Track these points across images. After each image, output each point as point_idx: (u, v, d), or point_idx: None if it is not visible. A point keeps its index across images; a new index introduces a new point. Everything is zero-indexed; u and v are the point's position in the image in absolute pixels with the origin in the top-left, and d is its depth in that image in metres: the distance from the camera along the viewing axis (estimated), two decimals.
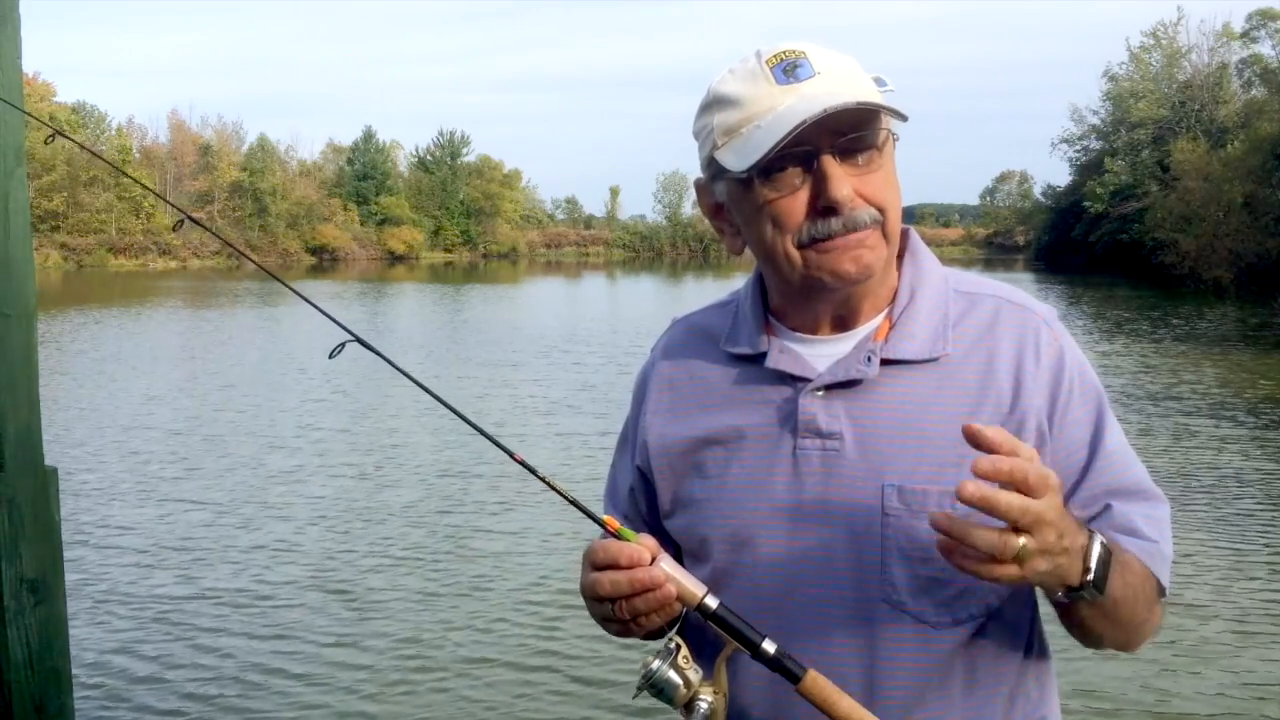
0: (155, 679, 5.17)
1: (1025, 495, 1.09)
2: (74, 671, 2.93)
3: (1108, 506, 1.34)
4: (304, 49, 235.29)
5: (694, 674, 1.23)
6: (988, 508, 1.09)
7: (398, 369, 1.51)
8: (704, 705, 1.23)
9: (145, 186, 2.50)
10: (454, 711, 4.86)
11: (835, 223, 1.28)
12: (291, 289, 1.80)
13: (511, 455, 1.40)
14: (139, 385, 15.20)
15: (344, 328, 1.55)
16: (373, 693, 5.03)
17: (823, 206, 1.28)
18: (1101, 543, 1.21)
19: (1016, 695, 1.35)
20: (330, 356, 1.52)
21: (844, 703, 1.21)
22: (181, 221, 1.89)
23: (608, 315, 30.22)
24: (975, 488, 1.08)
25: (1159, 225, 41.71)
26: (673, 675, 1.23)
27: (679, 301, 35.46)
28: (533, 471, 1.37)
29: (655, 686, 1.23)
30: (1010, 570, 1.11)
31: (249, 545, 7.38)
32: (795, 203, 1.29)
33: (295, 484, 9.20)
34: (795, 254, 1.31)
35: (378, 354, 1.52)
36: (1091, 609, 1.24)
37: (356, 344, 1.54)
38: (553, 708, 4.85)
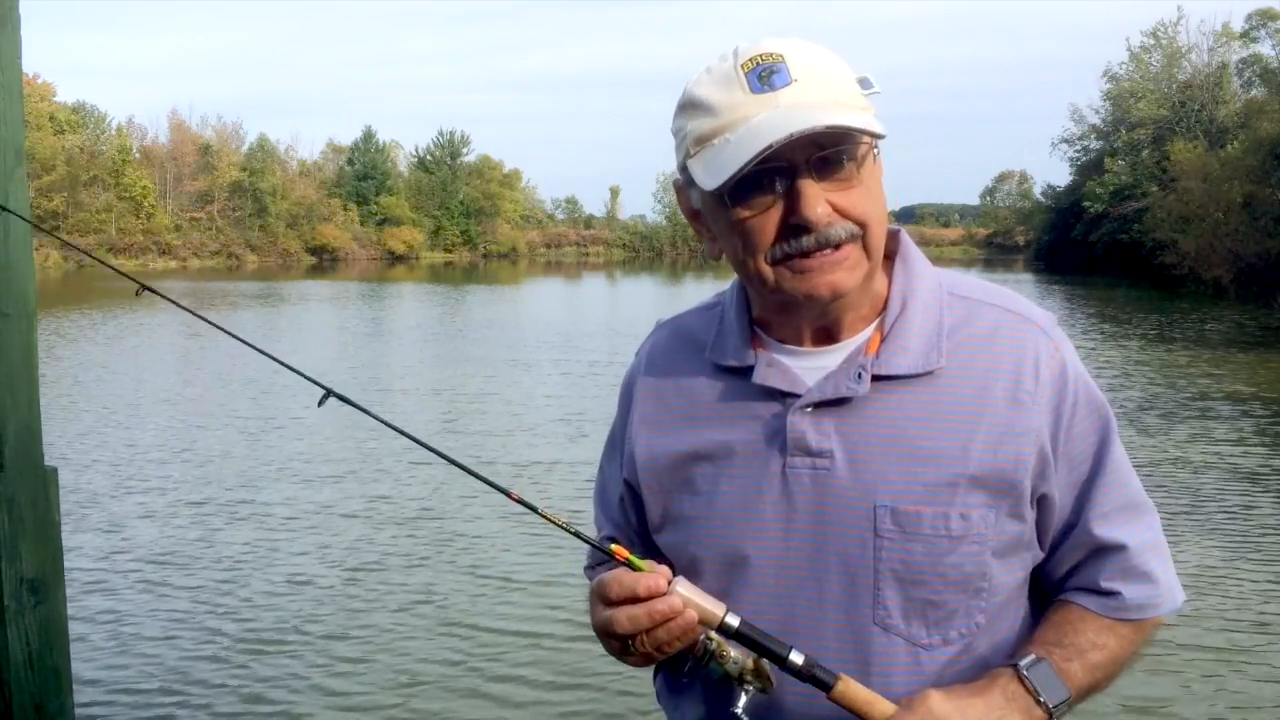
0: (154, 679, 5.16)
1: None
2: (74, 671, 2.93)
3: (1124, 547, 1.34)
4: (304, 49, 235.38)
5: (734, 666, 1.25)
6: None
7: (379, 419, 1.53)
8: (750, 689, 1.25)
9: (88, 253, 2.51)
10: None
11: (808, 240, 1.24)
12: (260, 351, 1.80)
13: (508, 494, 1.39)
14: (139, 385, 15.17)
15: (319, 384, 1.56)
16: (383, 684, 5.03)
17: (794, 225, 1.24)
18: (1026, 665, 1.25)
19: None
20: (319, 404, 1.56)
21: (879, 705, 1.21)
22: (141, 290, 1.95)
23: (608, 318, 30.20)
24: None
25: (1159, 225, 41.68)
26: (714, 667, 1.26)
27: (679, 301, 35.41)
28: (533, 509, 1.36)
29: (701, 664, 1.27)
30: None
31: (249, 545, 7.37)
32: (767, 221, 1.25)
33: (295, 485, 9.18)
34: (767, 270, 1.28)
35: (357, 407, 1.54)
36: (1077, 700, 1.28)
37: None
38: None
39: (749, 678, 1.24)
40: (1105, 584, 1.34)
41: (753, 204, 1.25)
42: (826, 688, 1.21)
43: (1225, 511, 8.06)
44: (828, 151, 1.23)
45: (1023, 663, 1.25)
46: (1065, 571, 1.38)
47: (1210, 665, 5.25)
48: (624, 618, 1.23)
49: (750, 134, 1.21)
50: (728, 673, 1.24)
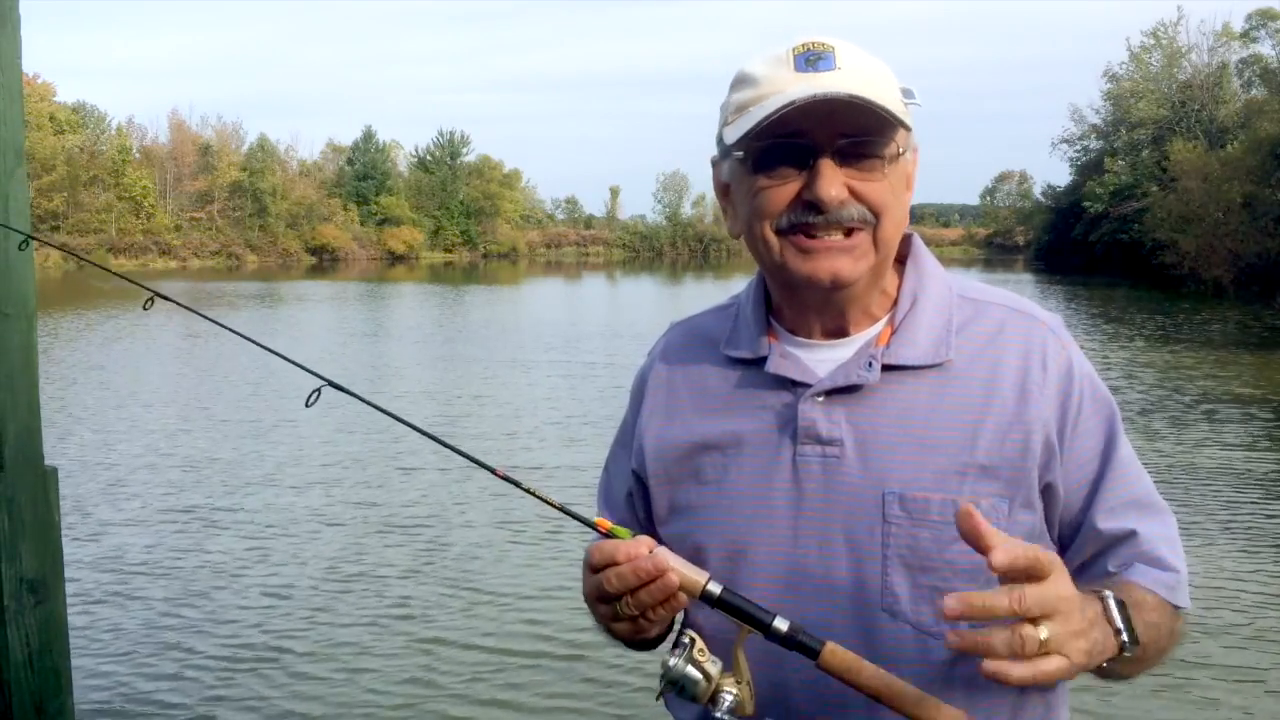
0: (154, 679, 5.16)
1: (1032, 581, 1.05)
2: (74, 671, 2.93)
3: (1133, 533, 1.33)
4: (304, 49, 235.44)
5: (712, 666, 1.23)
6: (987, 617, 1.03)
7: (372, 405, 1.53)
8: (729, 698, 1.22)
9: (99, 264, 2.51)
10: None
11: (817, 218, 1.27)
12: (254, 342, 1.82)
13: (493, 471, 1.40)
14: (139, 386, 15.17)
15: (315, 375, 1.57)
16: (376, 691, 5.03)
17: (807, 200, 1.27)
18: (1114, 599, 1.19)
19: (1021, 706, 1.34)
20: (307, 405, 1.55)
21: (867, 670, 1.20)
22: (151, 299, 1.95)
23: (608, 319, 30.19)
24: (957, 603, 1.02)
25: (1159, 225, 41.73)
26: (691, 670, 1.22)
27: (679, 301, 35.46)
28: (516, 484, 1.38)
29: (676, 684, 1.23)
30: (1053, 664, 1.05)
31: (248, 545, 7.37)
32: (783, 193, 1.29)
33: (295, 486, 9.19)
34: (772, 238, 1.31)
35: (352, 395, 1.55)
36: (1128, 663, 1.22)
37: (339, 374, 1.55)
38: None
39: (728, 685, 1.22)
40: (1115, 569, 1.33)
41: (774, 174, 1.29)
42: (813, 654, 1.20)
43: (1238, 519, 7.86)
44: (856, 140, 1.26)
45: (1108, 593, 1.19)
46: (1076, 569, 1.36)
47: (1226, 683, 5.04)
48: (612, 576, 1.25)
49: (780, 100, 1.25)
50: (706, 674, 1.22)
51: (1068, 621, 1.07)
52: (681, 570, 1.24)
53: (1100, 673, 1.25)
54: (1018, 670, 1.04)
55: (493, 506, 8.17)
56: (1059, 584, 1.07)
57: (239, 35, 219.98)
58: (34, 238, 2.58)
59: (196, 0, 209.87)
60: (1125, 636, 1.17)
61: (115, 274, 2.30)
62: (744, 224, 1.35)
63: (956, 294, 1.39)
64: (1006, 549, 1.04)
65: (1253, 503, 8.38)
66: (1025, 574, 1.05)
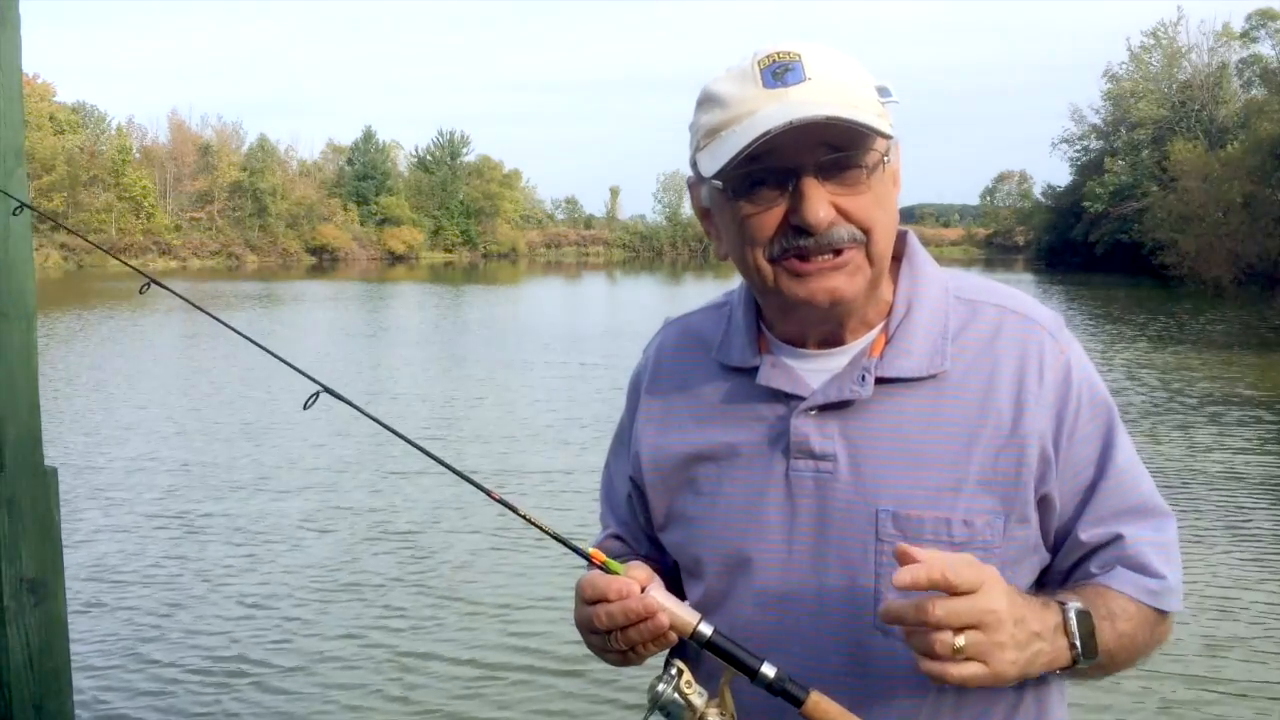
0: (154, 680, 5.16)
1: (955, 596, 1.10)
2: (74, 671, 2.92)
3: (1118, 537, 1.31)
4: (304, 49, 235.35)
5: (698, 697, 1.22)
6: (899, 623, 1.12)
7: (370, 417, 1.53)
8: None
9: (98, 246, 2.50)
10: None
11: (807, 241, 1.23)
12: (257, 344, 1.82)
13: (489, 494, 1.38)
14: (139, 386, 15.18)
15: (312, 379, 1.56)
16: (366, 707, 5.02)
17: (796, 226, 1.23)
18: (1076, 610, 1.21)
19: (1013, 716, 1.32)
20: (305, 407, 1.55)
21: None
22: (147, 284, 1.96)
23: (608, 319, 30.17)
24: (884, 609, 1.14)
25: (1159, 225, 41.76)
26: (677, 698, 1.22)
27: (679, 301, 35.41)
28: (513, 509, 1.36)
29: (663, 709, 1.22)
30: (969, 669, 1.11)
31: (249, 547, 7.37)
32: (769, 218, 1.25)
33: (287, 491, 9.17)
34: (766, 267, 1.27)
35: (349, 403, 1.54)
36: (1091, 669, 1.24)
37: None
38: None
39: (713, 716, 1.22)
40: (1097, 571, 1.31)
41: (757, 200, 1.25)
42: (798, 703, 1.19)
43: (1247, 525, 7.70)
44: (836, 155, 1.22)
45: (1071, 604, 1.21)
46: (1066, 569, 1.35)
47: (1237, 697, 4.92)
48: (602, 613, 1.24)
49: (754, 124, 1.20)
50: (691, 705, 1.22)
51: (991, 633, 1.11)
52: (673, 610, 1.23)
53: (1064, 675, 1.27)
54: (926, 665, 1.11)
55: (486, 514, 8.06)
56: (985, 599, 1.12)
57: (239, 35, 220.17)
58: (29, 206, 2.58)
59: (197, 0, 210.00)
60: (1079, 650, 1.20)
61: (113, 255, 2.31)
62: (734, 251, 1.32)
63: (953, 295, 1.35)
64: (912, 570, 1.10)
65: (1261, 508, 8.23)
66: (944, 590, 1.11)
